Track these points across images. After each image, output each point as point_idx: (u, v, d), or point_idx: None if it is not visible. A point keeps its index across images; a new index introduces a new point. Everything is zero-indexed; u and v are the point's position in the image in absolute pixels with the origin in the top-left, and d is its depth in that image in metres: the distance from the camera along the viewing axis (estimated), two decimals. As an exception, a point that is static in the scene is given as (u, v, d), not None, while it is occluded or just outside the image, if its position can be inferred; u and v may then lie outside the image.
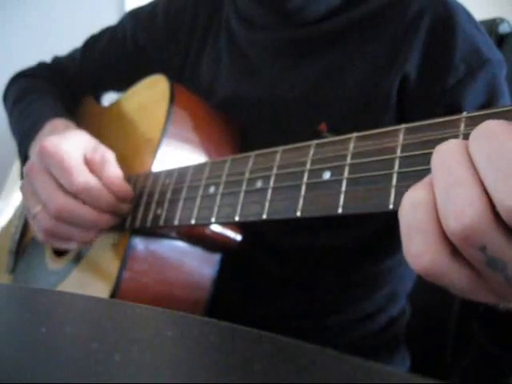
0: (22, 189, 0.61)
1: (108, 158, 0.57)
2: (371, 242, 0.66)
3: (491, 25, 0.80)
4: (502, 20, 0.80)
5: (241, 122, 0.67)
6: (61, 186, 0.54)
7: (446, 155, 0.28)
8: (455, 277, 0.27)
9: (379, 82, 0.58)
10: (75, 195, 0.54)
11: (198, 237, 0.60)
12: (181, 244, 0.60)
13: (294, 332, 0.35)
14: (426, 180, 0.29)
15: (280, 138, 0.44)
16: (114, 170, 0.57)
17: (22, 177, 0.72)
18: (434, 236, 0.27)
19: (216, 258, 0.62)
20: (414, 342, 0.74)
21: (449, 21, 0.56)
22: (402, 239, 0.29)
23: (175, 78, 0.68)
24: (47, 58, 0.93)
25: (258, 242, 0.64)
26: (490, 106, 0.55)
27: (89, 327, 0.32)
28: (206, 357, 0.26)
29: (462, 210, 0.25)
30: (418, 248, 0.27)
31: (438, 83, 0.56)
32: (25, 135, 0.73)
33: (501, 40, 0.80)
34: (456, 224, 0.26)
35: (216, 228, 0.60)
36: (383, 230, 0.64)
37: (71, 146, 0.56)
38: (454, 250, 0.27)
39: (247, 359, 0.25)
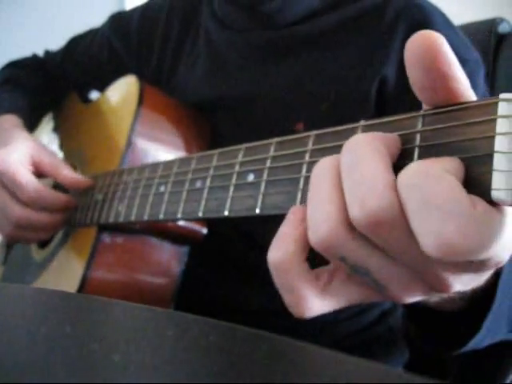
0: None
1: (56, 159, 0.65)
2: None
3: (491, 25, 0.79)
4: (501, 20, 0.80)
5: (214, 123, 0.68)
6: (16, 197, 0.62)
7: (317, 172, 0.29)
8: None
9: (356, 83, 0.59)
10: (28, 204, 0.62)
11: (162, 231, 0.62)
12: (148, 238, 0.63)
13: (287, 329, 0.36)
14: None
15: (257, 139, 0.44)
16: (65, 168, 0.64)
17: None
18: (300, 244, 0.29)
19: (183, 250, 0.64)
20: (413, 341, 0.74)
21: (425, 24, 0.57)
22: None
23: (151, 83, 0.69)
24: (46, 58, 0.93)
25: (249, 236, 0.65)
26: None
27: (89, 327, 0.32)
28: (206, 357, 0.26)
29: (319, 225, 0.27)
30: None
31: None
32: None
33: (501, 40, 0.80)
34: (313, 238, 0.28)
35: (180, 222, 0.62)
36: None
37: (18, 156, 0.63)
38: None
39: (247, 359, 0.25)
